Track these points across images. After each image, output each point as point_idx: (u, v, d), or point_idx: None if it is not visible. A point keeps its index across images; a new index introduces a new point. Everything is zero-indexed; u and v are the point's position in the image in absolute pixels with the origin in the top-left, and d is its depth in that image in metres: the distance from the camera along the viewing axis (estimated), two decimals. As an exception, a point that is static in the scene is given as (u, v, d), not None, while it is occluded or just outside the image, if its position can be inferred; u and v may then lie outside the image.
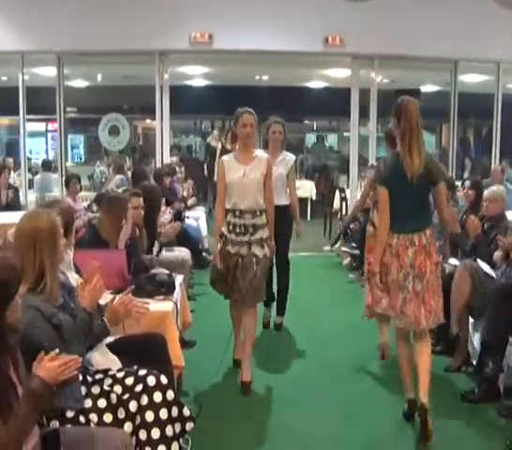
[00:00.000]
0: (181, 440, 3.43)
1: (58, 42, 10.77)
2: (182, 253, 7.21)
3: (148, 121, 17.46)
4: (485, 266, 5.55)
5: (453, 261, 6.11)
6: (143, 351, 3.90)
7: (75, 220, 5.30)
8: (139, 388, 3.31)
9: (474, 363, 5.32)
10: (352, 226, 9.04)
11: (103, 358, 3.65)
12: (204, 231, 10.18)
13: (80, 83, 14.77)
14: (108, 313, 3.64)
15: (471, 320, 5.55)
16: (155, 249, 6.32)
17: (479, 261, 5.65)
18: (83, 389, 3.27)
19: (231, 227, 5.35)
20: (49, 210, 3.45)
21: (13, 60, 11.23)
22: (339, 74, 13.38)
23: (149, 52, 11.22)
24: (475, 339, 5.37)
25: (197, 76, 14.87)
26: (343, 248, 9.75)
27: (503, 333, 4.87)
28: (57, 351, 2.73)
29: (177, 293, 5.03)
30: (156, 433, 3.26)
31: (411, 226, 4.46)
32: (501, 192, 6.10)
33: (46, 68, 11.95)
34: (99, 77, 14.80)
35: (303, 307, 7.48)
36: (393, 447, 4.33)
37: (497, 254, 5.59)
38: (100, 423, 3.19)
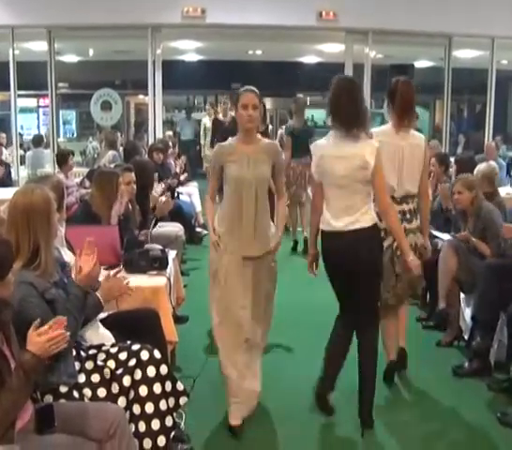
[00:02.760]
0: (175, 414, 3.45)
1: (49, 16, 10.70)
2: (175, 229, 7.21)
3: (141, 96, 17.36)
4: None
5: (445, 236, 6.13)
6: (137, 326, 3.90)
7: (67, 196, 5.29)
8: (132, 363, 3.32)
9: (466, 338, 5.37)
10: None
11: (97, 334, 3.66)
12: (198, 206, 10.16)
13: (71, 58, 14.63)
14: (101, 290, 3.64)
15: (462, 295, 5.59)
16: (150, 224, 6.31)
17: None
18: (77, 364, 3.28)
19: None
20: (42, 186, 3.43)
21: (3, 35, 11.15)
22: (333, 49, 13.32)
23: (141, 26, 11.15)
24: (467, 314, 5.41)
25: (190, 51, 14.77)
26: None
27: (493, 309, 4.90)
28: (46, 327, 2.73)
29: (170, 269, 5.04)
30: (149, 407, 3.28)
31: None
32: (483, 170, 6.13)
33: (37, 43, 11.86)
34: (91, 52, 14.67)
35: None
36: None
37: None
38: (94, 398, 3.21)
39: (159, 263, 4.86)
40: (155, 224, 6.41)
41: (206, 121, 14.07)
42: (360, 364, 4.14)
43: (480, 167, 6.32)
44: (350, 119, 3.98)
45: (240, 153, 4.16)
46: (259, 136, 4.25)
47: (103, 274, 3.92)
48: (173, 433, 3.40)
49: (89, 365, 3.32)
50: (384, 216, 4.13)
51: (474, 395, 4.71)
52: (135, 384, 3.28)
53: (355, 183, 3.98)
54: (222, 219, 4.22)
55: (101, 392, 3.24)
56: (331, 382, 4.30)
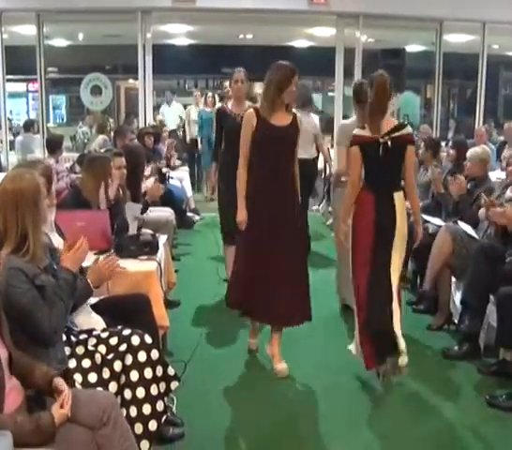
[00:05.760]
0: (166, 399, 3.46)
1: (38, -1, 10.60)
2: (166, 213, 7.20)
3: (131, 81, 17.24)
4: (466, 227, 5.59)
5: (436, 221, 6.14)
6: (128, 311, 3.90)
7: (58, 182, 5.26)
8: (123, 348, 3.32)
9: (456, 321, 5.39)
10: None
11: (87, 319, 3.66)
12: (189, 191, 10.15)
13: (61, 42, 14.51)
14: (91, 274, 3.64)
15: (453, 279, 5.60)
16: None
17: (460, 222, 5.69)
18: (67, 349, 3.28)
19: None
20: (31, 171, 3.41)
21: (-9, 18, 11.04)
22: (324, 33, 13.26)
23: (131, 10, 11.05)
24: (457, 299, 5.42)
25: (180, 35, 14.68)
26: (330, 209, 9.72)
27: (483, 292, 4.91)
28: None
29: (161, 253, 5.03)
30: (141, 392, 3.27)
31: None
32: (480, 153, 6.11)
33: (25, 27, 11.75)
34: (81, 36, 14.56)
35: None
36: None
37: (482, 211, 5.59)
38: (85, 383, 3.20)
39: (150, 248, 4.85)
40: (145, 209, 6.40)
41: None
42: None
43: (476, 150, 6.29)
44: None
45: None
46: None
47: (92, 258, 3.93)
48: (164, 417, 3.41)
49: (80, 350, 3.32)
50: None
51: (464, 377, 4.75)
52: (126, 369, 3.28)
53: None
54: None
55: (92, 377, 3.23)
56: None
